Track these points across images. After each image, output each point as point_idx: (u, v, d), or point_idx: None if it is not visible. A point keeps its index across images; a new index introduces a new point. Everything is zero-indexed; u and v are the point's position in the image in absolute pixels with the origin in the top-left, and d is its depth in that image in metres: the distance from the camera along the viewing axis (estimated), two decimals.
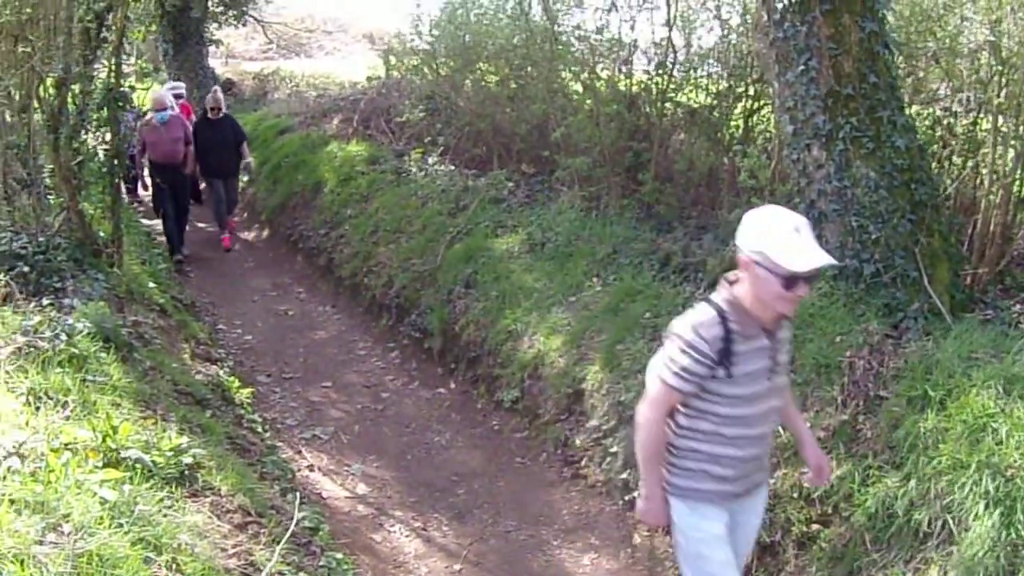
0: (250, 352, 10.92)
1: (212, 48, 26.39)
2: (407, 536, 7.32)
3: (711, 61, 11.20)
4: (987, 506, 5.00)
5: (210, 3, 24.82)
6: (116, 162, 9.14)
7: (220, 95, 15.71)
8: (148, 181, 16.50)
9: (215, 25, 26.22)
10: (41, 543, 3.57)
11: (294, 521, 5.09)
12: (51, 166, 8.76)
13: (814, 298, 7.19)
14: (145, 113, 15.78)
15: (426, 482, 8.18)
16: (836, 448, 6.13)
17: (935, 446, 5.52)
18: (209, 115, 15.35)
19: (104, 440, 4.66)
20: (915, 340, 6.57)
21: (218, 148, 15.18)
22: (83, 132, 8.77)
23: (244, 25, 28.66)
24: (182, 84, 19.92)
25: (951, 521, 5.18)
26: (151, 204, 16.35)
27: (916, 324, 6.81)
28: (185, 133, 14.72)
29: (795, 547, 6.04)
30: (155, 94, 15.15)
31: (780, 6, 7.17)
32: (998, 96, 7.86)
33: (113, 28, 8.94)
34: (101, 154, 8.98)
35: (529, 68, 13.11)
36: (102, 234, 9.02)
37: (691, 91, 11.23)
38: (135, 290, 9.03)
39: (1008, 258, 7.94)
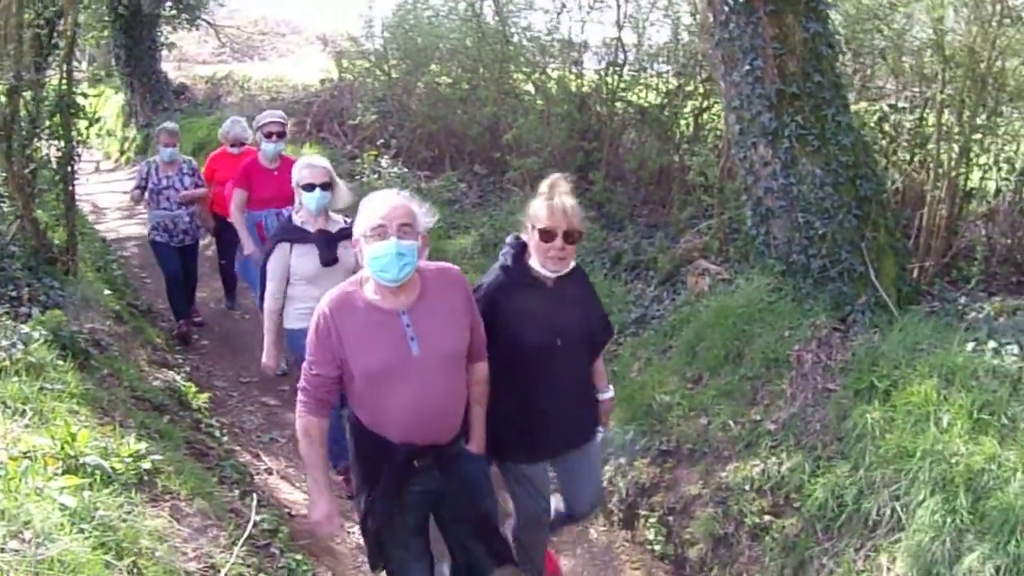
0: (207, 357, 10.88)
1: (165, 52, 26.21)
2: None
3: (661, 60, 11.31)
4: (932, 493, 5.11)
5: (162, 7, 24.61)
6: (69, 169, 9.10)
7: (569, 203, 5.26)
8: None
9: (168, 28, 26.04)
10: (3, 551, 3.58)
11: (251, 523, 5.13)
12: (4, 174, 8.70)
13: (763, 293, 7.30)
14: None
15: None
16: (786, 440, 6.25)
17: (881, 436, 5.64)
18: (545, 271, 5.24)
19: (63, 447, 4.67)
20: (862, 333, 6.69)
21: (557, 367, 5.40)
22: (36, 140, 8.73)
23: (197, 28, 28.49)
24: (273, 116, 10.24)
25: (899, 509, 5.30)
26: None
27: (863, 317, 6.92)
28: (474, 332, 4.97)
29: (748, 538, 6.13)
30: (371, 200, 4.76)
31: (725, 7, 7.25)
32: (942, 92, 7.99)
33: (64, 34, 8.93)
34: (54, 162, 8.93)
35: (481, 70, 13.17)
36: (57, 242, 8.97)
37: (641, 90, 11.32)
38: (91, 297, 8.99)
39: (954, 251, 8.10)
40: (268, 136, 9.65)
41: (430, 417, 4.79)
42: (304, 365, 4.81)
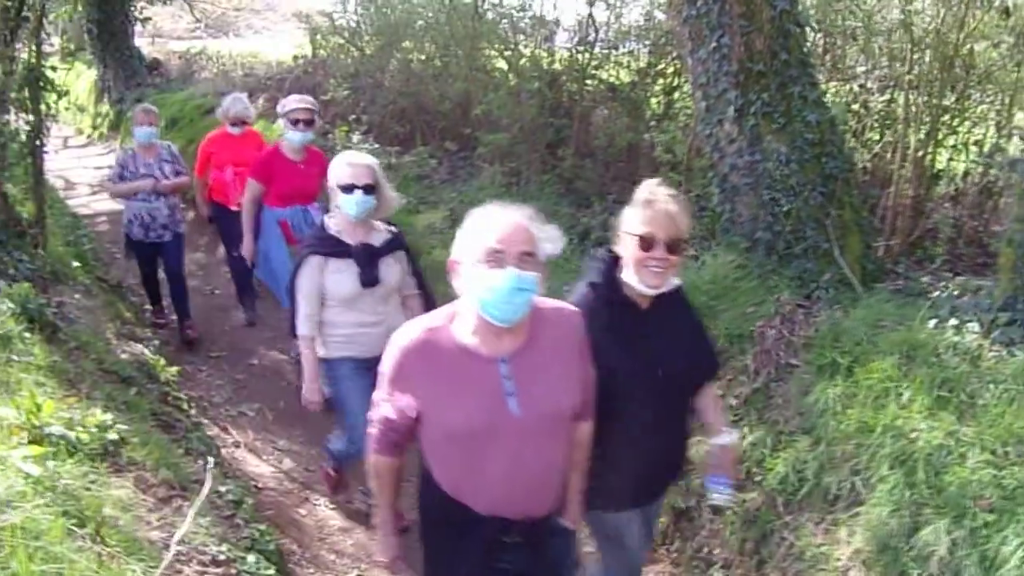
0: (176, 332, 10.84)
1: (139, 28, 25.91)
2: (331, 509, 7.34)
3: (633, 39, 11.33)
4: (891, 467, 5.15)
5: None
6: (38, 143, 9.03)
7: (673, 207, 4.32)
8: None
9: (142, 3, 25.72)
10: None
11: (206, 486, 5.13)
12: None
13: (728, 270, 7.33)
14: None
15: None
16: (749, 415, 6.29)
17: (843, 411, 5.68)
18: (643, 286, 4.35)
19: (28, 417, 4.67)
20: (825, 310, 6.71)
21: (655, 402, 4.53)
22: (4, 113, 8.67)
23: (170, 3, 28.26)
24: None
25: (859, 483, 5.33)
26: None
27: (827, 294, 6.96)
28: (584, 388, 4.09)
29: (709, 512, 6.17)
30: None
31: None
32: (910, 73, 8.04)
33: (33, 8, 8.85)
34: (23, 135, 8.87)
35: (453, 46, 13.17)
36: (25, 215, 8.94)
37: (613, 68, 11.34)
38: (60, 271, 8.95)
39: (920, 231, 8.14)
40: (295, 123, 8.51)
41: (528, 488, 3.96)
42: (375, 400, 4.04)
